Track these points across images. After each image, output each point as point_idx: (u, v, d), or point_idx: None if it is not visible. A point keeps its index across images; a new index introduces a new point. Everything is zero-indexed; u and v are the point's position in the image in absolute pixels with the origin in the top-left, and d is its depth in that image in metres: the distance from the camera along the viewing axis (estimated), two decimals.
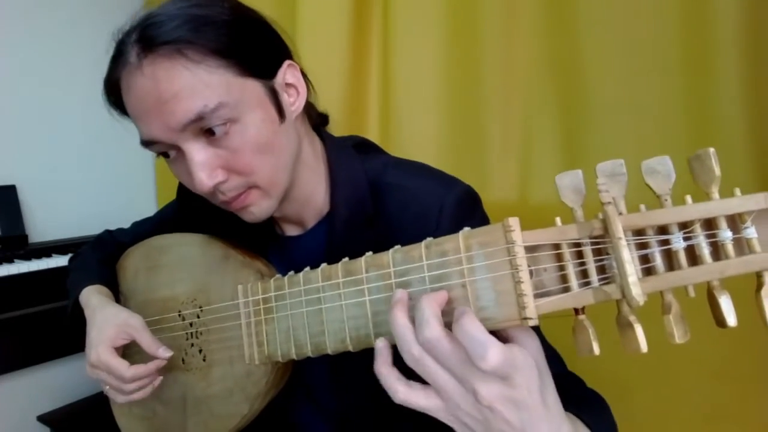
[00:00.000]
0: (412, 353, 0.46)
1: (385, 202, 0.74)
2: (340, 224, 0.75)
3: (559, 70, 1.24)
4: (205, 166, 0.65)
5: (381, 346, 0.50)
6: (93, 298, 0.83)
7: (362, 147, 0.84)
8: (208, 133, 0.64)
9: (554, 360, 0.48)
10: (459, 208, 0.71)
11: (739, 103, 1.02)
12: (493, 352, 0.42)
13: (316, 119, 0.81)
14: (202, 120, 0.63)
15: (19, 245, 1.70)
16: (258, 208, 0.71)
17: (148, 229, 0.97)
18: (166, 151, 0.68)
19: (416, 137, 1.39)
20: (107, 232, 1.05)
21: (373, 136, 1.44)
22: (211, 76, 0.63)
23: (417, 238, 0.62)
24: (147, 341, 0.76)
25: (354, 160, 0.78)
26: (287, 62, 0.71)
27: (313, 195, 0.78)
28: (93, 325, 0.79)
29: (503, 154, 1.32)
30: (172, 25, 0.63)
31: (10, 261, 1.57)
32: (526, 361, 0.44)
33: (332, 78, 1.45)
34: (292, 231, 0.83)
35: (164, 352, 0.75)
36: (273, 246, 0.83)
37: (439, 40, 1.36)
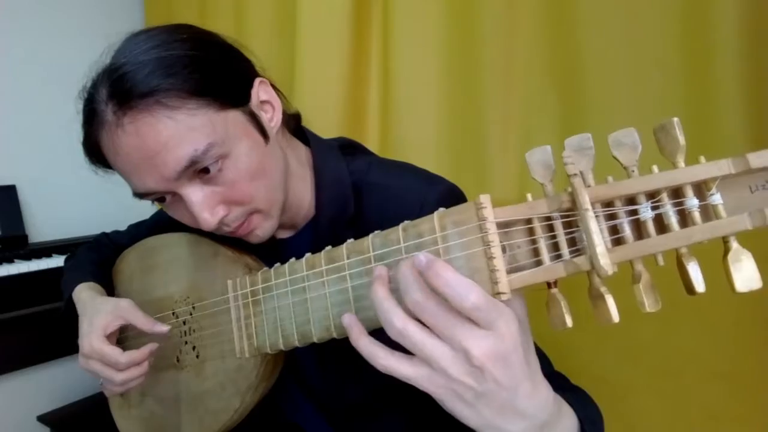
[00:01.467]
0: (396, 325, 0.45)
1: (367, 202, 0.75)
2: (324, 225, 0.77)
3: (559, 70, 1.23)
4: (206, 206, 0.66)
5: (348, 322, 0.50)
6: (84, 294, 0.85)
7: (348, 148, 0.84)
8: (202, 173, 0.65)
9: (542, 360, 0.48)
10: (440, 205, 0.71)
11: (739, 103, 1.01)
12: (476, 290, 0.42)
13: (291, 124, 0.82)
14: (195, 164, 0.63)
15: (19, 245, 1.70)
16: (262, 230, 0.73)
17: (143, 231, 0.98)
18: (161, 196, 0.69)
19: (416, 137, 1.39)
20: (103, 234, 1.06)
21: (373, 136, 1.45)
22: (193, 119, 0.62)
23: None
24: (141, 320, 0.77)
25: (339, 162, 0.79)
26: (258, 80, 0.71)
27: (303, 199, 0.79)
28: (84, 317, 0.80)
29: (503, 154, 1.31)
30: (143, 73, 0.61)
31: (10, 261, 1.58)
32: (508, 312, 0.44)
33: (332, 78, 1.45)
34: (282, 234, 0.84)
35: (160, 327, 0.76)
36: (264, 248, 0.84)
37: (439, 40, 1.36)
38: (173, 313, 0.82)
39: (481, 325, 0.43)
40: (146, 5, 2.21)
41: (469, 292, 0.42)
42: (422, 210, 0.70)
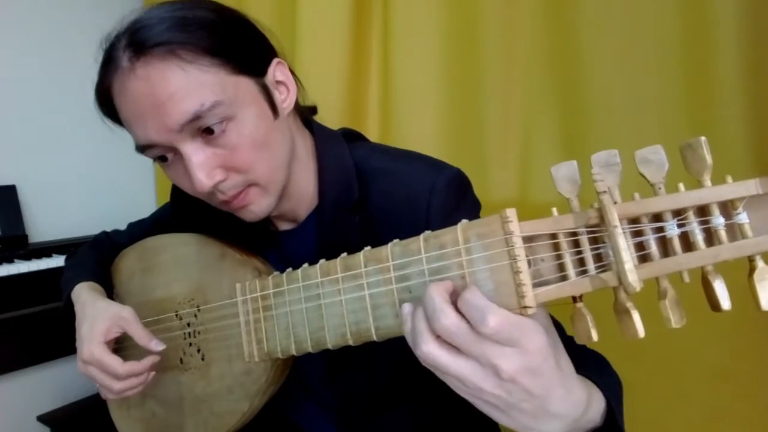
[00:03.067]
0: (426, 350, 0.45)
1: (372, 188, 0.75)
2: (328, 211, 0.76)
3: (559, 69, 1.24)
4: (203, 166, 0.65)
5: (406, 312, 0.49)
6: (83, 294, 0.83)
7: (352, 136, 0.84)
8: (205, 133, 0.64)
9: (561, 330, 0.49)
10: (450, 190, 0.71)
11: (739, 103, 1.02)
12: (492, 314, 0.43)
13: (305, 114, 0.82)
14: (200, 119, 0.63)
15: (19, 245, 1.70)
16: (257, 206, 0.71)
17: (143, 231, 0.97)
18: (162, 154, 0.68)
19: (416, 137, 1.39)
20: (104, 233, 1.05)
21: (373, 135, 1.43)
22: (205, 75, 0.63)
23: (407, 222, 0.62)
24: (139, 333, 0.76)
25: (341, 147, 0.79)
26: (276, 60, 0.72)
27: (306, 189, 0.79)
28: (84, 320, 0.78)
29: (503, 153, 1.31)
30: (162, 27, 0.63)
31: (10, 261, 1.57)
32: (532, 325, 0.44)
33: (332, 78, 1.45)
34: (285, 226, 0.83)
35: (156, 345, 0.75)
36: (268, 242, 0.84)
37: (439, 40, 1.36)
38: (176, 314, 0.81)
39: (503, 344, 0.43)
40: (146, 6, 2.16)
41: (485, 316, 0.43)
42: (432, 193, 0.70)
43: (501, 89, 1.30)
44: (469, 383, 0.45)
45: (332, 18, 1.44)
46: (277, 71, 0.72)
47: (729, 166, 1.04)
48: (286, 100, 0.73)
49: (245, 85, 0.67)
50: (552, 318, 0.66)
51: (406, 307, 0.49)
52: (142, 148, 0.68)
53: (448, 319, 0.44)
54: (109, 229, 1.06)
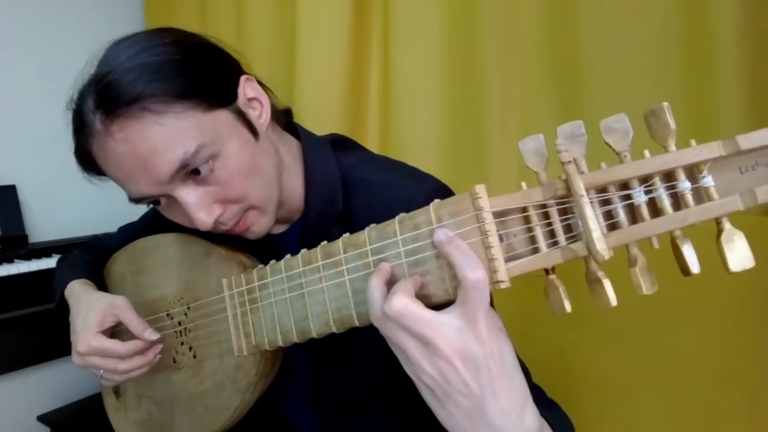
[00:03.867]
0: (376, 312, 0.49)
1: (356, 198, 0.75)
2: (312, 220, 0.77)
3: (559, 69, 1.23)
4: (201, 206, 0.66)
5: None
6: (77, 288, 0.84)
7: (339, 144, 0.84)
8: (194, 174, 0.65)
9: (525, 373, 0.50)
10: (428, 203, 0.71)
11: (739, 103, 1.01)
12: (483, 270, 0.45)
13: (282, 119, 0.82)
14: (187, 166, 0.63)
15: (19, 245, 1.70)
16: (259, 227, 0.72)
17: (134, 233, 0.97)
18: (156, 200, 0.69)
19: (416, 137, 1.39)
20: (95, 237, 1.06)
21: (373, 135, 1.44)
22: (181, 122, 0.62)
23: None
24: (133, 321, 0.76)
25: (329, 157, 0.79)
26: (243, 78, 0.71)
27: (294, 193, 0.79)
28: (78, 312, 0.79)
29: (503, 153, 1.31)
30: (128, 80, 0.62)
31: (10, 261, 1.57)
32: (499, 319, 0.47)
33: (332, 78, 1.45)
34: (276, 229, 0.84)
35: (150, 335, 0.75)
36: (255, 244, 0.84)
37: (439, 40, 1.35)
38: (168, 314, 0.81)
39: (466, 310, 0.45)
40: (146, 5, 2.20)
41: (478, 265, 0.45)
42: (409, 209, 0.70)
43: (501, 89, 1.29)
44: (411, 356, 0.47)
45: (332, 18, 1.44)
46: (247, 89, 0.71)
47: None
48: (261, 115, 0.72)
49: (222, 117, 0.66)
50: (520, 361, 0.69)
51: (374, 280, 0.52)
52: (136, 201, 0.69)
53: (401, 301, 0.47)
54: (108, 230, 1.07)
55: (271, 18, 1.67)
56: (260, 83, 0.75)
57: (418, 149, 1.39)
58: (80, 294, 0.82)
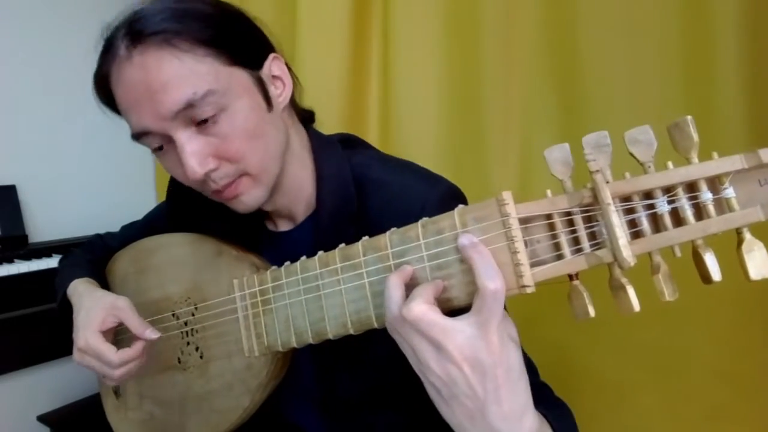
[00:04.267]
0: (395, 313, 0.50)
1: (369, 199, 0.75)
2: (325, 220, 0.77)
3: (559, 70, 1.24)
4: (196, 154, 0.66)
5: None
6: (80, 287, 0.84)
7: (348, 143, 0.85)
8: (198, 122, 0.66)
9: (529, 369, 0.51)
10: (441, 205, 0.72)
11: (739, 103, 1.02)
12: (501, 281, 0.47)
13: (302, 114, 0.83)
14: (192, 107, 0.64)
15: (19, 245, 1.69)
16: (249, 197, 0.72)
17: (135, 233, 0.97)
18: (158, 145, 0.69)
19: (416, 137, 1.39)
20: (97, 236, 1.05)
21: (373, 135, 1.44)
22: (199, 65, 0.65)
23: None
24: (134, 322, 0.76)
25: (340, 156, 0.80)
26: (272, 55, 0.73)
27: (302, 188, 0.79)
28: (80, 309, 0.79)
29: (503, 154, 1.32)
30: (160, 17, 0.65)
31: (10, 261, 1.56)
32: (514, 328, 0.49)
33: (332, 78, 1.45)
34: (283, 226, 0.84)
35: (151, 334, 0.75)
36: (265, 242, 0.84)
37: (439, 40, 1.36)
38: (173, 314, 0.81)
39: (480, 319, 0.47)
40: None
41: (497, 277, 0.46)
42: (423, 210, 0.70)
43: (501, 89, 1.30)
44: (421, 357, 0.49)
45: (332, 18, 1.45)
46: (273, 66, 0.73)
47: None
48: (281, 94, 0.74)
49: (239, 76, 0.68)
50: (528, 359, 0.70)
51: (394, 278, 0.53)
52: (137, 136, 0.69)
53: (420, 306, 0.49)
54: (108, 230, 1.06)
55: (271, 18, 1.66)
56: (289, 69, 0.77)
57: (418, 149, 1.39)
58: (83, 292, 0.82)
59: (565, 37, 1.23)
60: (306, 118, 0.84)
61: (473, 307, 0.48)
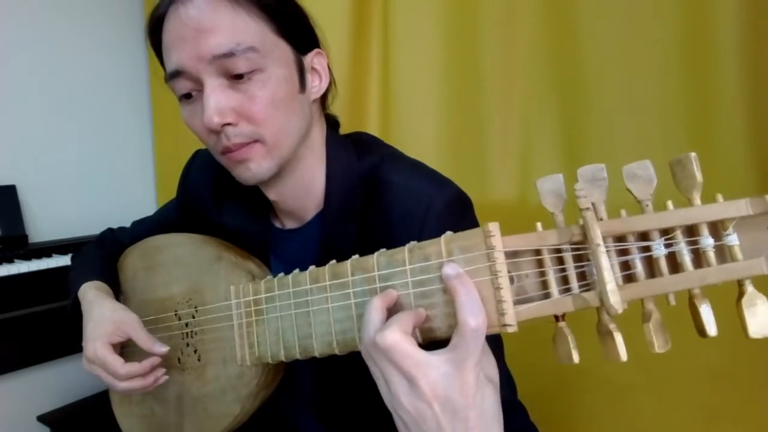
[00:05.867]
0: (371, 337, 0.48)
1: (376, 198, 0.74)
2: (331, 217, 0.76)
3: (559, 70, 1.24)
4: (219, 103, 0.66)
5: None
6: (90, 293, 0.84)
7: (361, 142, 0.84)
8: (232, 76, 0.66)
9: (506, 385, 0.48)
10: (447, 211, 0.70)
11: (739, 103, 1.01)
12: (483, 317, 0.45)
13: (328, 117, 0.83)
14: (232, 57, 0.65)
15: (19, 245, 1.71)
16: (256, 165, 0.71)
17: (147, 229, 0.97)
18: (186, 91, 0.69)
19: (416, 137, 1.39)
20: (109, 230, 1.06)
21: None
22: (251, 21, 0.67)
23: (402, 236, 0.61)
24: (143, 339, 0.76)
25: (349, 155, 0.79)
26: (317, 49, 0.75)
27: (312, 183, 0.78)
28: (90, 318, 0.79)
29: (503, 154, 1.32)
30: None
31: (10, 261, 1.58)
32: (494, 369, 0.46)
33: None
34: (291, 224, 0.83)
35: (160, 348, 0.76)
36: (273, 239, 0.84)
37: (439, 40, 1.36)
38: (175, 314, 0.81)
39: (457, 356, 0.44)
40: (146, 6, 2.21)
41: (480, 313, 0.44)
42: (428, 213, 0.70)
43: (501, 89, 1.30)
44: (392, 388, 0.47)
45: (332, 18, 1.44)
46: (315, 60, 0.75)
47: (728, 167, 1.03)
48: (316, 87, 0.75)
49: (283, 48, 0.70)
50: (506, 374, 0.68)
51: (377, 301, 0.51)
52: (171, 75, 0.70)
53: (394, 335, 0.47)
54: None
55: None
56: (330, 72, 0.78)
57: (418, 150, 1.37)
58: (93, 299, 0.82)
59: (565, 37, 1.21)
60: (331, 121, 0.84)
61: (451, 343, 0.45)
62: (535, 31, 1.25)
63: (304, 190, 0.78)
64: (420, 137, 1.39)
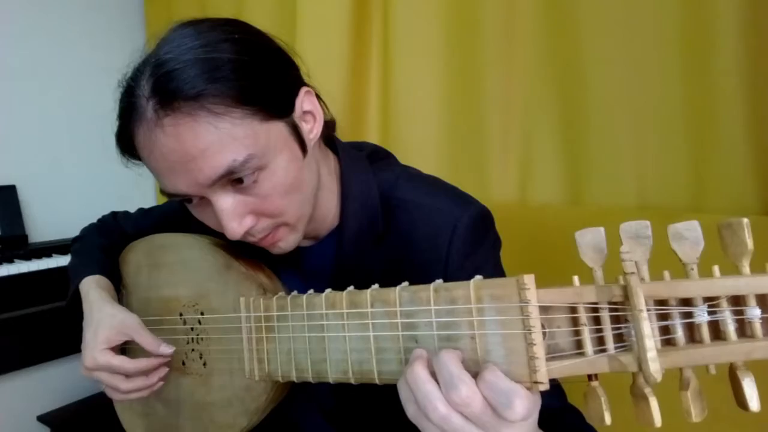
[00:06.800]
0: (439, 411, 0.44)
1: (397, 219, 0.72)
2: (350, 238, 0.74)
3: (559, 70, 1.23)
4: (235, 215, 0.63)
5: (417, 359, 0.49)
6: (92, 293, 0.82)
7: (375, 156, 0.81)
8: (237, 183, 0.62)
9: (556, 392, 0.47)
10: (473, 229, 0.69)
11: (740, 103, 1.01)
12: (520, 398, 0.42)
13: (326, 132, 0.78)
14: (232, 173, 0.60)
15: (19, 245, 1.70)
16: (286, 243, 0.70)
17: (150, 222, 0.95)
18: (189, 198, 0.66)
19: (416, 138, 1.38)
20: (112, 214, 1.03)
21: (373, 136, 1.44)
22: (236, 129, 0.59)
23: (427, 259, 0.60)
24: (147, 340, 0.75)
25: (366, 173, 0.76)
26: (303, 89, 0.68)
27: (329, 211, 0.76)
28: (89, 325, 0.77)
29: (503, 154, 1.31)
30: (190, 74, 0.58)
31: (10, 261, 1.57)
32: (537, 401, 0.44)
33: (332, 78, 1.44)
34: (303, 242, 0.81)
35: (166, 349, 0.75)
36: (283, 256, 0.82)
37: (439, 41, 1.35)
38: (180, 316, 0.80)
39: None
40: (146, 5, 2.17)
41: (514, 401, 0.42)
42: (454, 233, 0.68)
43: (501, 89, 1.29)
44: None
45: (332, 18, 1.43)
46: (305, 102, 0.68)
47: (728, 168, 1.03)
48: (312, 130, 0.69)
49: (276, 130, 0.63)
50: (556, 382, 0.67)
51: (422, 372, 0.47)
52: (169, 195, 0.66)
53: (470, 391, 0.43)
54: None
55: (271, 18, 1.67)
56: (318, 96, 0.72)
57: (418, 150, 1.39)
58: (93, 301, 0.80)
59: (566, 37, 1.20)
60: (330, 130, 0.79)
61: None
62: (535, 31, 1.24)
63: (321, 219, 0.76)
64: (420, 138, 1.38)
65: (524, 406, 0.41)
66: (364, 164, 0.77)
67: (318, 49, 1.44)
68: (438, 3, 1.33)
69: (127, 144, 0.66)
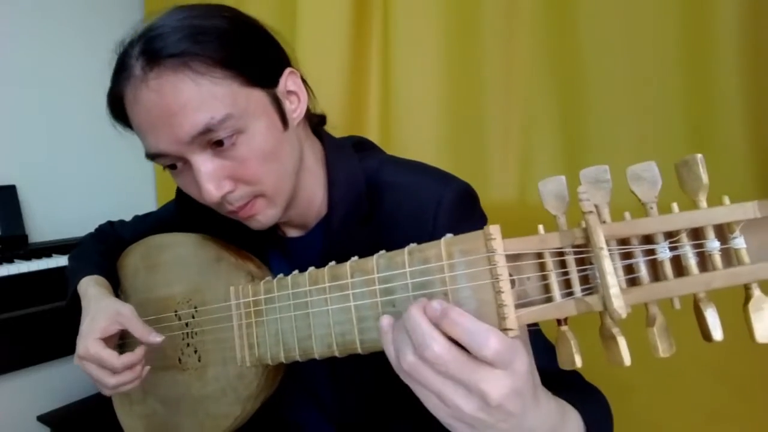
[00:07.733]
0: (409, 361, 0.44)
1: (382, 200, 0.74)
2: (337, 223, 0.75)
3: (559, 70, 1.23)
4: (212, 177, 0.65)
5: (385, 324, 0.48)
6: (90, 289, 0.84)
7: (360, 146, 0.83)
8: (215, 145, 0.64)
9: (554, 356, 0.47)
10: (457, 204, 0.70)
11: (739, 103, 1.01)
12: (495, 336, 0.41)
13: (314, 122, 0.81)
14: (210, 132, 0.63)
15: (19, 245, 1.70)
16: (264, 216, 0.71)
17: (147, 227, 0.97)
18: (172, 163, 0.68)
19: (416, 138, 1.39)
20: (108, 223, 1.06)
21: (373, 136, 1.44)
22: (216, 88, 0.63)
23: (413, 236, 0.61)
24: (137, 328, 0.75)
25: (351, 159, 0.78)
26: (288, 70, 0.71)
27: (314, 197, 0.78)
28: (86, 316, 0.79)
29: (503, 154, 1.32)
30: (176, 37, 0.63)
31: (10, 261, 1.58)
32: (521, 346, 0.43)
33: (332, 78, 1.45)
34: (293, 233, 0.82)
35: (155, 337, 0.75)
36: (274, 247, 0.83)
37: (439, 41, 1.36)
38: (175, 313, 0.81)
39: (498, 367, 0.42)
40: (146, 5, 2.22)
41: (488, 340, 0.41)
42: (439, 208, 0.69)
43: (501, 90, 1.29)
44: (450, 404, 0.43)
45: (332, 18, 1.45)
46: (289, 81, 0.71)
47: (728, 168, 1.02)
48: (296, 110, 0.72)
49: (256, 97, 0.66)
50: (551, 345, 0.66)
51: (385, 320, 0.48)
52: (152, 156, 0.68)
53: (440, 346, 0.42)
54: None
55: (271, 18, 1.70)
56: (304, 82, 0.75)
57: (418, 149, 1.39)
58: (92, 297, 0.81)
59: (566, 36, 1.21)
60: (317, 123, 0.82)
61: None
62: (535, 31, 1.25)
63: (306, 206, 0.78)
64: (420, 137, 1.39)
65: (499, 344, 0.41)
66: (348, 151, 0.79)
67: (318, 49, 1.46)
68: (438, 2, 1.34)
69: (116, 103, 0.69)
